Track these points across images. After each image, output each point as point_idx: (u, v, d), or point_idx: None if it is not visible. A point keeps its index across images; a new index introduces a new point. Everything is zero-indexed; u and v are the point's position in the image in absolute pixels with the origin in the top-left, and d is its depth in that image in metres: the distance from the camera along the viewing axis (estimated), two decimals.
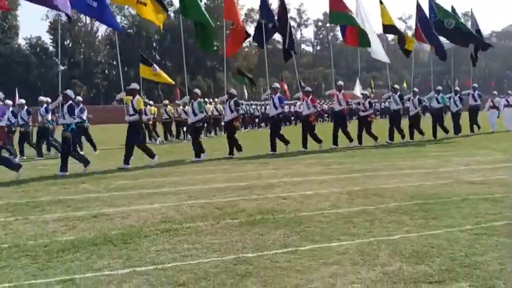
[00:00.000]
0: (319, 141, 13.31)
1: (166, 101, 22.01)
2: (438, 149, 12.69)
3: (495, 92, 20.29)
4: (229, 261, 3.90)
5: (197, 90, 12.53)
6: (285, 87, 30.19)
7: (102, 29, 72.88)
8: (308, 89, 14.50)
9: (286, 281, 3.44)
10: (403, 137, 14.87)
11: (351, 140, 13.93)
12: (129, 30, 68.07)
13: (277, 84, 13.87)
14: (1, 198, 7.12)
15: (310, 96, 13.46)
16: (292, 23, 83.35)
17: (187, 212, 5.77)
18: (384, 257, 3.89)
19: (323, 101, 38.86)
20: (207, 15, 12.82)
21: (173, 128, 20.91)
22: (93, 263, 3.95)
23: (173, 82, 14.43)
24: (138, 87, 10.73)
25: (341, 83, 14.31)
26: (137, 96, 10.62)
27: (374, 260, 3.84)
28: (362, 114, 14.59)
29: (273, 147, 12.70)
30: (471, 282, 3.32)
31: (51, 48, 65.64)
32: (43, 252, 4.28)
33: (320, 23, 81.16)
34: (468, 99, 18.25)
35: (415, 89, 15.72)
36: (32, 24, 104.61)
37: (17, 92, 16.86)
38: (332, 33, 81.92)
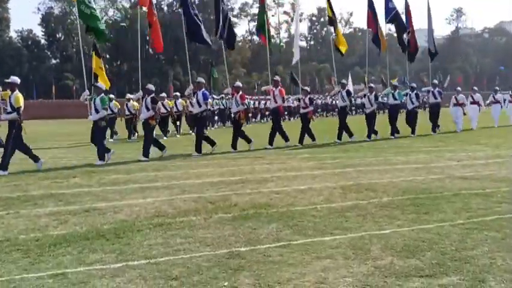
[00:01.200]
0: (248, 140, 12.46)
1: (129, 95, 19.39)
2: (431, 144, 12.76)
3: (475, 88, 19.88)
4: (221, 255, 3.91)
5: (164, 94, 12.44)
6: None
7: None
8: (308, 88, 14.81)
9: (278, 275, 3.45)
10: (350, 135, 14.17)
11: (286, 139, 13.03)
12: (122, 24, 67.58)
13: (201, 79, 12.46)
14: None
15: (240, 93, 12.54)
16: (285, 17, 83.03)
17: (180, 206, 5.76)
18: (376, 251, 3.91)
19: (316, 96, 38.72)
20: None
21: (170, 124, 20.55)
22: (85, 257, 3.94)
23: (108, 85, 13.62)
24: (18, 81, 9.50)
25: (277, 78, 13.62)
26: (16, 91, 9.26)
27: (366, 254, 3.86)
28: (302, 111, 14.08)
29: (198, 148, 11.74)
30: (461, 276, 3.35)
31: (43, 41, 65.07)
32: (35, 247, 4.26)
33: (314, 18, 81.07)
34: (447, 96, 18.12)
35: (371, 85, 15.54)
36: (24, 17, 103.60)
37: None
38: (325, 29, 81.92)
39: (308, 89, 15.35)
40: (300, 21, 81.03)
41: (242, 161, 10.18)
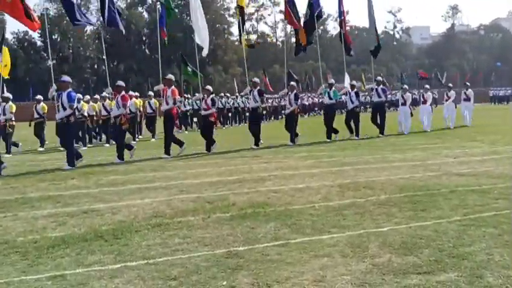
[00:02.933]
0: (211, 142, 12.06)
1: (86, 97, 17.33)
2: (427, 141, 12.79)
3: (427, 86, 18.25)
4: (220, 255, 3.91)
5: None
6: (267, 80, 29.94)
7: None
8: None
9: (277, 274, 3.46)
10: (335, 132, 14.05)
11: (180, 144, 11.55)
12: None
13: (171, 76, 11.73)
14: None
15: (123, 93, 10.99)
16: (282, 16, 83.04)
17: (178, 207, 5.77)
18: (374, 249, 3.93)
19: (313, 95, 38.65)
20: None
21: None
22: (83, 259, 3.94)
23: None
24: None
25: (170, 76, 11.78)
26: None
27: (364, 251, 3.87)
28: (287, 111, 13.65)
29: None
30: (459, 272, 3.36)
31: (39, 43, 64.86)
32: (33, 249, 4.26)
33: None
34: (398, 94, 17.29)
35: (292, 83, 14.43)
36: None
37: (4, 87, 16.62)
38: (321, 27, 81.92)
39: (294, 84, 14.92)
40: None
41: (239, 160, 10.18)
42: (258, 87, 13.32)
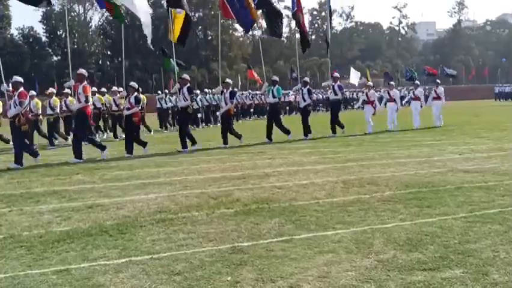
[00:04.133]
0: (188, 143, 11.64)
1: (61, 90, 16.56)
2: (433, 137, 12.73)
3: (417, 82, 17.87)
4: (224, 250, 3.91)
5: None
6: (255, 75, 29.37)
7: (95, 19, 72.42)
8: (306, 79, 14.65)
9: (281, 270, 3.46)
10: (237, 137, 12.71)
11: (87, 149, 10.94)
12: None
13: (82, 70, 10.56)
14: None
15: (21, 89, 9.85)
16: (286, 12, 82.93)
17: (183, 202, 5.77)
18: (379, 245, 3.91)
19: (317, 91, 38.50)
20: None
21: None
22: (88, 253, 3.95)
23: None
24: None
25: (81, 71, 10.51)
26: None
27: (369, 248, 3.86)
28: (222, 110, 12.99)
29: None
30: (464, 269, 3.35)
31: (44, 39, 64.99)
32: (38, 243, 4.28)
33: (314, 12, 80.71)
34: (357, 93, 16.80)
35: (228, 80, 13.37)
36: (25, 15, 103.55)
37: (10, 83, 16.62)
38: (326, 23, 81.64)
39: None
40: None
41: (244, 156, 10.18)
42: (188, 85, 11.91)
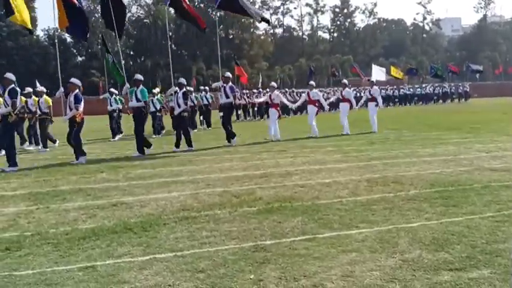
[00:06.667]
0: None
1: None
2: (459, 136, 12.48)
3: (373, 79, 16.98)
4: (247, 249, 3.91)
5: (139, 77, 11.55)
6: (242, 72, 28.63)
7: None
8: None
9: (304, 268, 3.44)
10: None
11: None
12: (145, 20, 68.25)
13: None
14: (23, 187, 7.26)
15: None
16: (308, 9, 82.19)
17: (205, 200, 5.80)
18: (404, 245, 3.85)
19: (335, 89, 37.99)
20: None
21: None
22: (113, 251, 4.01)
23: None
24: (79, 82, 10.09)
25: (10, 75, 9.39)
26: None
27: (393, 247, 3.81)
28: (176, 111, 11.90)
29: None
30: (492, 269, 3.27)
31: (69, 39, 66.23)
32: (65, 240, 4.36)
33: (337, 10, 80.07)
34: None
35: (181, 79, 12.18)
36: (51, 16, 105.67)
37: (37, 83, 16.93)
38: (349, 20, 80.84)
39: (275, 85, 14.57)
40: (322, 13, 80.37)
41: (265, 155, 10.17)
42: (184, 90, 11.78)
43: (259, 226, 4.57)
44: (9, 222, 5.15)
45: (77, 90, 10.18)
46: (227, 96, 12.50)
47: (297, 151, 10.52)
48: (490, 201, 5.18)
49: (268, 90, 15.83)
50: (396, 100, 40.14)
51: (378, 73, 42.66)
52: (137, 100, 11.05)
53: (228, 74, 13.12)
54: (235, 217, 4.95)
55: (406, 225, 4.41)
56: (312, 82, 15.37)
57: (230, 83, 12.69)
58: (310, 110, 14.33)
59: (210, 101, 20.42)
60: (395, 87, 41.64)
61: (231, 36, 72.39)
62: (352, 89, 37.55)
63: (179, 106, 11.70)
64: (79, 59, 67.39)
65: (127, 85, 11.80)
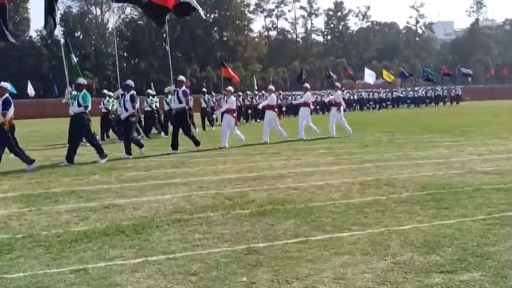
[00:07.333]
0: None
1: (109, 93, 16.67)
2: (451, 138, 12.57)
3: (337, 84, 16.02)
4: (239, 251, 3.92)
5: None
6: (231, 72, 27.08)
7: (112, 21, 73.18)
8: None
9: (297, 271, 3.44)
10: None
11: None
12: (139, 22, 68.11)
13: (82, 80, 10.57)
14: (15, 189, 7.22)
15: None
16: (302, 12, 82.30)
17: (198, 203, 5.80)
18: (395, 247, 3.88)
19: (328, 92, 38.13)
20: None
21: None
22: (105, 253, 4.00)
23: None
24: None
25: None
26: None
27: (385, 250, 3.83)
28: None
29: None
30: (483, 272, 3.30)
31: (62, 40, 66.09)
32: (56, 243, 4.34)
33: (330, 13, 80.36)
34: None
35: (129, 82, 11.50)
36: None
37: (29, 84, 16.76)
38: (342, 23, 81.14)
39: (273, 88, 14.73)
40: (316, 16, 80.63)
41: (259, 157, 10.18)
42: (132, 92, 11.16)
43: (251, 229, 4.57)
44: (0, 224, 5.11)
45: (7, 95, 9.14)
46: (180, 101, 11.71)
47: (290, 153, 10.54)
48: (481, 204, 5.22)
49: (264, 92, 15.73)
50: (389, 103, 40.41)
51: (369, 76, 42.90)
52: (79, 105, 10.15)
53: (181, 77, 12.31)
54: (228, 219, 4.95)
55: (398, 227, 4.43)
56: (306, 84, 15.40)
57: (183, 87, 11.93)
58: (304, 112, 14.27)
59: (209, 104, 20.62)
60: (388, 90, 41.89)
61: (225, 38, 72.41)
62: (346, 91, 38.01)
63: (126, 110, 11.00)
64: (75, 59, 67.17)
65: (69, 89, 11.00)
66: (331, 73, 44.08)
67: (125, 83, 11.45)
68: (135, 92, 11.38)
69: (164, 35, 69.21)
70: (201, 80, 56.36)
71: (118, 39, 68.62)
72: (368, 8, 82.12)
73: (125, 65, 66.70)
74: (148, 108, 17.84)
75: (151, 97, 18.05)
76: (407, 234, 4.22)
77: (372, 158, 9.28)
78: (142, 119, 17.66)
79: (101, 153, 10.31)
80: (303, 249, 3.92)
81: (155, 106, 18.04)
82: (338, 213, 5.03)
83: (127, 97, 11.16)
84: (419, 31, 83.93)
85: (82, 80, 10.79)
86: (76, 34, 63.40)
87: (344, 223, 4.65)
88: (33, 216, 5.44)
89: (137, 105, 11.34)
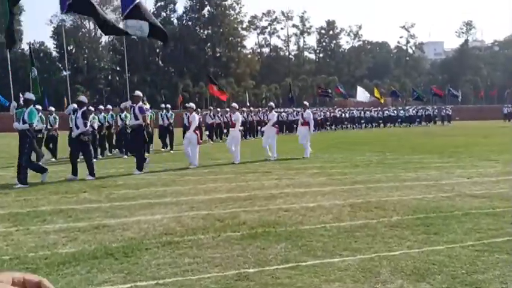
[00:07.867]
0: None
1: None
2: (441, 160, 12.66)
3: (306, 102, 15.56)
4: (230, 277, 3.89)
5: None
6: (215, 90, 26.47)
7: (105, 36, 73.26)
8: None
9: None
10: None
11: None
12: (133, 36, 68.30)
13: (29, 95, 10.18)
14: (2, 207, 7.13)
15: None
16: (295, 30, 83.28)
17: (189, 224, 5.76)
18: (386, 274, 3.88)
19: (326, 109, 38.42)
20: None
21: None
22: (93, 277, 3.95)
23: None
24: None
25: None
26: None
27: (376, 277, 3.82)
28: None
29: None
30: None
31: (54, 54, 65.93)
32: (44, 265, 4.28)
33: (323, 31, 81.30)
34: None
35: (81, 98, 11.01)
36: (36, 29, 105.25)
37: (20, 97, 16.62)
38: (334, 41, 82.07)
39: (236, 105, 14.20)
40: (309, 34, 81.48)
41: (251, 176, 10.17)
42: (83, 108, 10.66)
43: (242, 253, 4.55)
44: None
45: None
46: (136, 118, 11.23)
47: (282, 173, 10.55)
48: (471, 229, 5.25)
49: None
50: (381, 121, 40.71)
51: (362, 95, 43.31)
52: (23, 122, 9.61)
53: (138, 92, 11.74)
54: (219, 242, 4.93)
55: (388, 253, 4.44)
56: (305, 102, 15.47)
57: (140, 103, 11.44)
58: (303, 130, 14.08)
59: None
60: (379, 108, 42.24)
61: (218, 54, 72.81)
62: (338, 109, 38.28)
63: (77, 128, 10.38)
64: (65, 73, 67.01)
65: (14, 104, 10.08)
66: (322, 91, 44.41)
67: (78, 98, 10.93)
68: (87, 109, 10.87)
69: (158, 50, 69.54)
70: (193, 95, 56.43)
71: (110, 53, 68.74)
72: (360, 27, 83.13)
73: (117, 78, 66.72)
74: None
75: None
76: (398, 260, 4.22)
77: (363, 178, 9.31)
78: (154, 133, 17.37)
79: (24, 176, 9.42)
80: (294, 275, 3.90)
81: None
82: (329, 237, 5.02)
83: (79, 114, 10.44)
84: (410, 51, 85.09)
85: (29, 95, 10.19)
86: (68, 47, 63.37)
87: (334, 248, 4.64)
88: (21, 236, 5.36)
89: (89, 123, 10.85)
